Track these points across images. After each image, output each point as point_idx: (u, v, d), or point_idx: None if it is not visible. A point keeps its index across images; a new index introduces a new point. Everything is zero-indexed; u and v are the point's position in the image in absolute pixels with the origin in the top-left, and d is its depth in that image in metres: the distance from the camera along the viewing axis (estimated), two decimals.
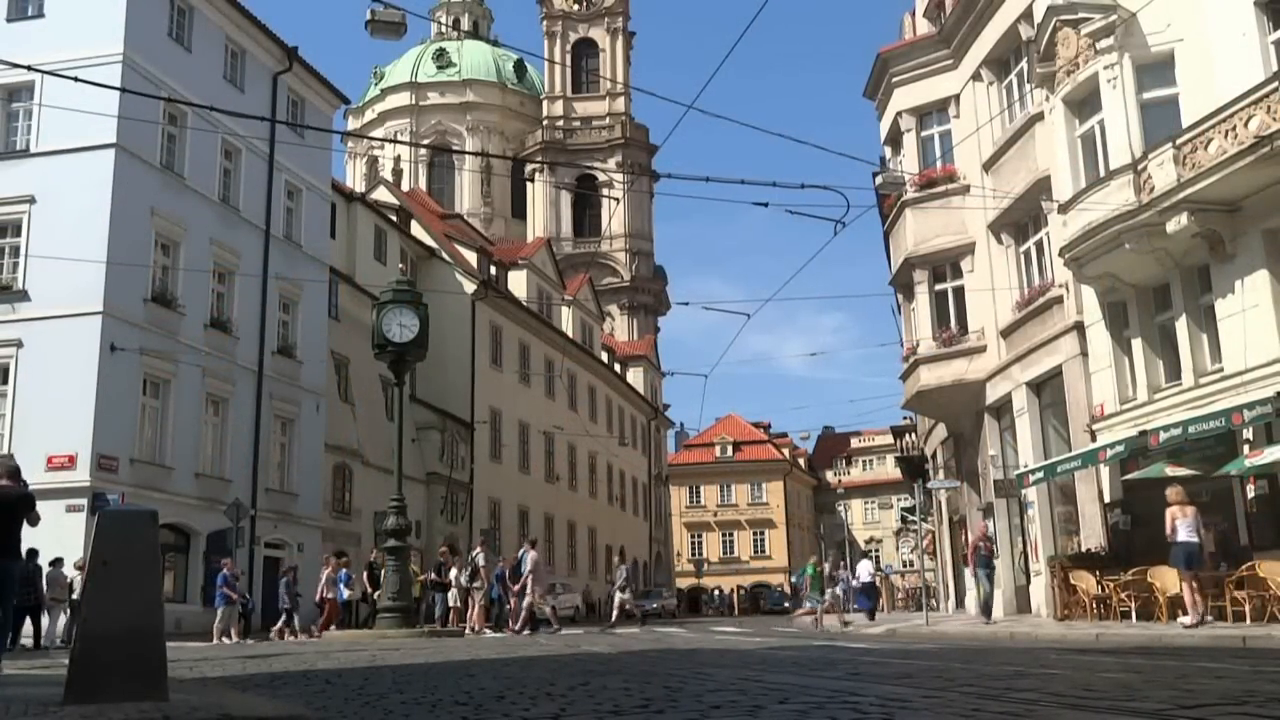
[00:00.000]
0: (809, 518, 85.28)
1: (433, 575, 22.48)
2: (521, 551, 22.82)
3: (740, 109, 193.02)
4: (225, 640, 19.37)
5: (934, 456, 31.48)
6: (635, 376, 59.63)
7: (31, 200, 23.22)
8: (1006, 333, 22.35)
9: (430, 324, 19.87)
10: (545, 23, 72.70)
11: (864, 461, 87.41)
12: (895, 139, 26.10)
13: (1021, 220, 22.06)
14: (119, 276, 22.69)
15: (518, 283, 45.82)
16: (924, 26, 27.07)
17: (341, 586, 22.06)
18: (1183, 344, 17.04)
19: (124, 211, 23.10)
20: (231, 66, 27.54)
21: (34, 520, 12.26)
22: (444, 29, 76.04)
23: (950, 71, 24.54)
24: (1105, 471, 18.53)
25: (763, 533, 77.01)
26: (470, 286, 39.78)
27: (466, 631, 20.28)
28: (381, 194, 43.22)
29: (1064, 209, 18.54)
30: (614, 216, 67.87)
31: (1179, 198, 15.87)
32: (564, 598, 29.58)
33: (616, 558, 35.02)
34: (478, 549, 22.34)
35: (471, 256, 42.38)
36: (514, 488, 42.41)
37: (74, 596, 17.93)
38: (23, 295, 23.00)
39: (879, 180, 20.91)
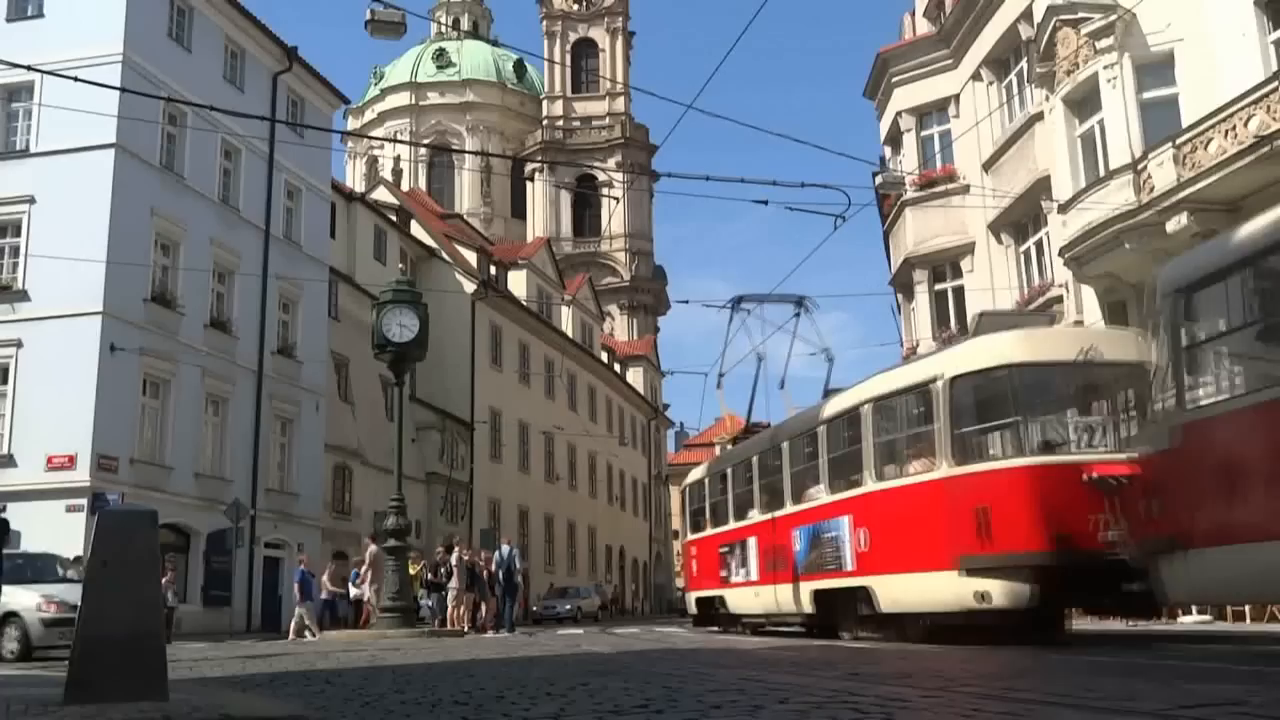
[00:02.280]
0: None
1: (429, 575, 22.48)
2: (506, 550, 22.87)
3: (740, 109, 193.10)
4: (308, 636, 19.62)
5: None
6: (635, 376, 59.64)
7: (31, 200, 23.23)
8: None
9: (430, 324, 19.86)
10: (545, 23, 72.69)
11: None
12: (895, 139, 26.12)
13: (1021, 220, 22.08)
14: (119, 276, 22.70)
15: (517, 283, 45.83)
16: (924, 26, 27.09)
17: (350, 585, 22.10)
18: None
19: (124, 211, 23.10)
20: (231, 66, 27.55)
21: (4, 543, 13.71)
22: (444, 29, 76.05)
23: (950, 71, 24.56)
24: None
25: None
26: (470, 286, 39.79)
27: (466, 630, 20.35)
28: (381, 194, 43.22)
29: (1064, 209, 18.56)
30: (614, 216, 67.87)
31: (1179, 197, 15.88)
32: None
33: (441, 548, 24.79)
34: (454, 551, 22.30)
35: (471, 256, 42.39)
36: (514, 488, 42.43)
37: None
38: (23, 295, 23.02)
39: (879, 180, 20.93)
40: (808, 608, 13.94)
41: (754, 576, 16.08)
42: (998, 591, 10.25)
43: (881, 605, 11.93)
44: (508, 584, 22.23)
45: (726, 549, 17.56)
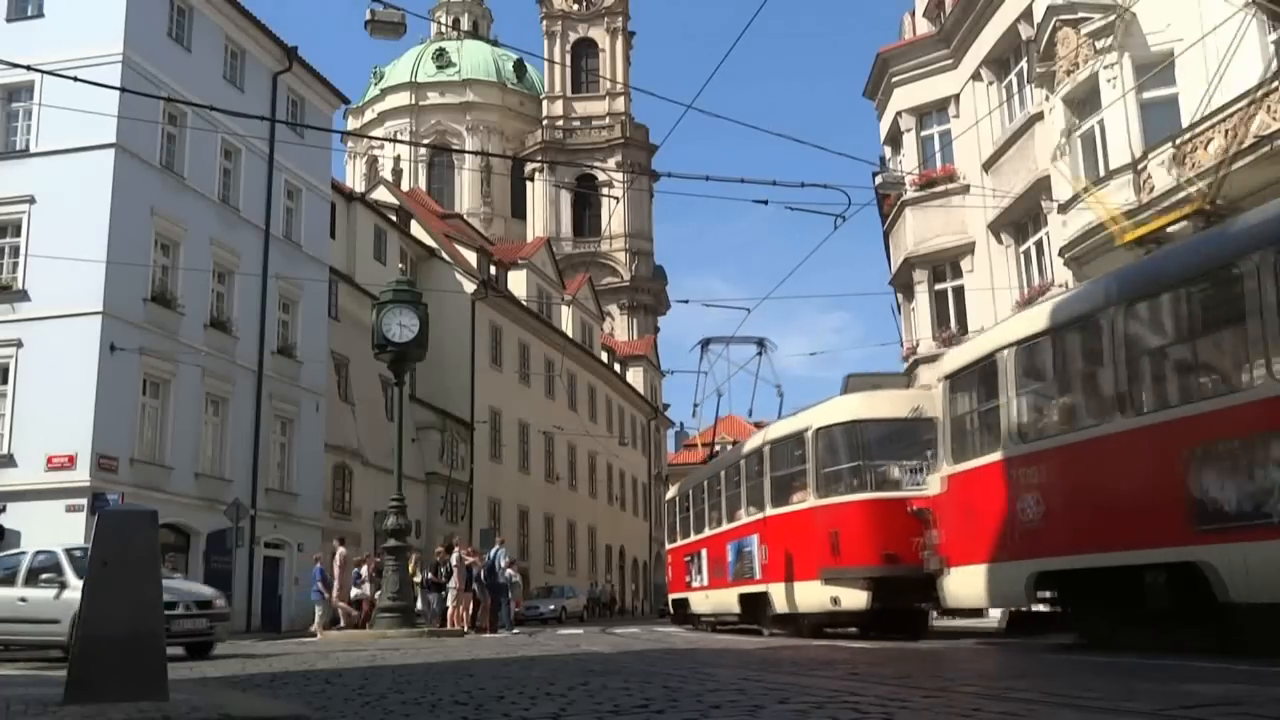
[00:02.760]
0: None
1: (428, 575, 22.50)
2: (493, 551, 22.92)
3: (740, 108, 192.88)
4: (324, 633, 19.81)
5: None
6: (635, 376, 59.64)
7: (31, 200, 23.22)
8: None
9: (430, 324, 19.86)
10: (545, 22, 72.68)
11: None
12: (895, 139, 26.10)
13: (1021, 220, 22.07)
14: (119, 276, 22.69)
15: (517, 282, 45.82)
16: (924, 26, 27.07)
17: (353, 585, 22.09)
18: None
19: (124, 211, 23.10)
20: (231, 66, 27.54)
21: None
22: (444, 29, 76.03)
23: (950, 71, 24.54)
24: None
25: None
26: (470, 286, 39.78)
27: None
28: (381, 194, 43.23)
29: (1064, 209, 18.55)
30: (614, 216, 67.85)
31: (1179, 197, 15.86)
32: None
33: (441, 548, 23.94)
34: (454, 550, 22.35)
35: (471, 256, 42.38)
36: (514, 488, 42.42)
37: None
38: (23, 295, 23.01)
39: (879, 180, 20.92)
40: (736, 608, 17.25)
41: (705, 582, 19.41)
42: (845, 597, 13.32)
43: (776, 607, 15.03)
44: (490, 584, 22.17)
45: (688, 558, 20.86)
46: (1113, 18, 17.65)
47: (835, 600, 13.37)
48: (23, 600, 13.08)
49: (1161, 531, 8.36)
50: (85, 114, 19.64)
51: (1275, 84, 14.59)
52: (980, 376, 11.04)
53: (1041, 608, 10.93)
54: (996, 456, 10.42)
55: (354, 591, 22.05)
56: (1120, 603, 9.36)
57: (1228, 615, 8.01)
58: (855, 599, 13.15)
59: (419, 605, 21.32)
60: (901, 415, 13.66)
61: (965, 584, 11.09)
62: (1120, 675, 6.83)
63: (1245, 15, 15.90)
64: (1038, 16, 19.84)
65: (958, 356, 12.06)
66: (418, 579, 21.98)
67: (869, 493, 13.42)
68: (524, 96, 75.74)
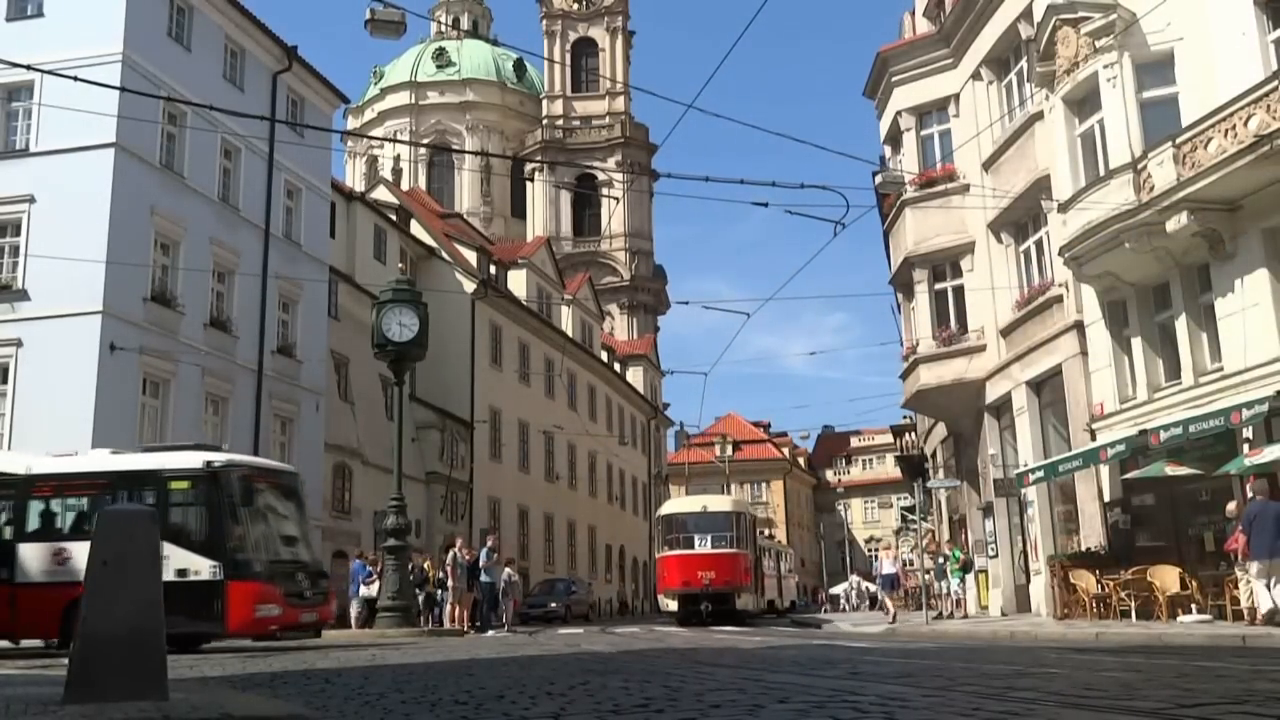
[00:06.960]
0: (809, 517, 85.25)
1: (441, 575, 22.48)
2: (484, 549, 22.92)
3: (740, 108, 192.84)
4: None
5: (934, 456, 31.51)
6: (635, 376, 59.62)
7: (31, 200, 23.19)
8: (1006, 332, 22.35)
9: (430, 323, 19.89)
10: (545, 22, 72.68)
11: (864, 461, 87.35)
12: (895, 138, 26.10)
13: (1021, 219, 22.06)
14: (119, 276, 22.68)
15: (517, 282, 45.80)
16: (924, 25, 27.07)
17: (360, 583, 22.08)
18: (1182, 343, 17.04)
19: (124, 211, 23.08)
20: (231, 66, 27.52)
21: None
22: (444, 28, 76.03)
23: (950, 71, 24.54)
24: (1105, 470, 18.52)
25: (763, 532, 76.98)
26: (470, 286, 39.76)
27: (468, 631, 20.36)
28: (381, 193, 43.19)
29: (1064, 208, 18.55)
30: (614, 216, 67.84)
31: (1179, 197, 15.87)
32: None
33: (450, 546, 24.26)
34: (452, 549, 22.36)
35: (471, 256, 42.36)
36: (514, 487, 42.42)
37: None
38: (23, 295, 22.99)
39: (879, 180, 20.89)
40: None
41: None
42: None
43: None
44: (471, 583, 22.15)
45: None
46: (1113, 17, 17.65)
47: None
48: None
49: None
50: (85, 114, 19.62)
51: (1275, 83, 14.59)
52: None
53: None
54: None
55: (362, 590, 22.05)
56: None
57: None
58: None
59: (426, 604, 21.35)
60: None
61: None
62: (1121, 675, 6.83)
63: (1248, 14, 15.90)
64: (1038, 16, 19.84)
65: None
66: (440, 575, 22.01)
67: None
68: (524, 96, 75.73)
